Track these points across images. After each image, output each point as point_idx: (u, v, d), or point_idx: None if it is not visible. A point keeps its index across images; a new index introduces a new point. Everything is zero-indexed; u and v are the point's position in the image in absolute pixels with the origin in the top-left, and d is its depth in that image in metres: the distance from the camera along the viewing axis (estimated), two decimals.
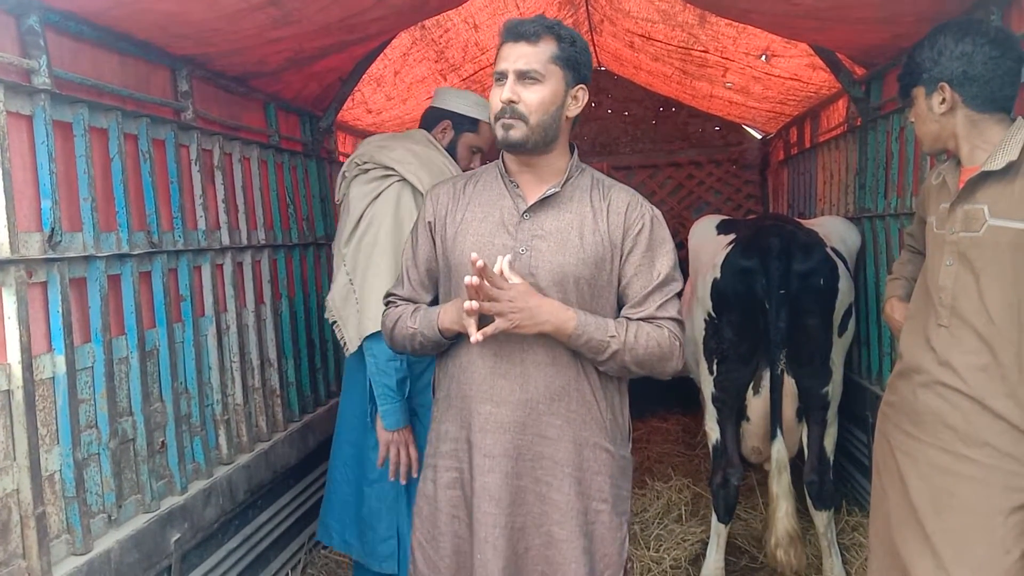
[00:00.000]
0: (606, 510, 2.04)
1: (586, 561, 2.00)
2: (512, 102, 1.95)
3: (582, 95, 2.02)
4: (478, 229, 2.03)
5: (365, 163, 2.76)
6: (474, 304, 1.85)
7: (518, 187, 2.04)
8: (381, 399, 2.55)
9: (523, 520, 1.99)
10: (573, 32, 2.01)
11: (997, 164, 2.00)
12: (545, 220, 2.01)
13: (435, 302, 2.14)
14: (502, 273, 1.89)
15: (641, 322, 2.00)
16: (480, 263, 1.82)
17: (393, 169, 2.71)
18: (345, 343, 2.71)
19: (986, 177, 2.03)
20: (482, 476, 1.96)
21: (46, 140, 2.16)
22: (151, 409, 2.57)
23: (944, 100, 2.09)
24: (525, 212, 2.01)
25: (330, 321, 2.77)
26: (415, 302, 2.13)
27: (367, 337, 2.57)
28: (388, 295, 2.19)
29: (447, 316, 1.98)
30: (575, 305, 1.98)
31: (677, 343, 2.01)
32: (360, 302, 2.61)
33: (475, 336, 1.87)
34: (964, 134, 2.10)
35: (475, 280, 1.82)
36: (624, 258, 2.03)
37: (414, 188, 2.68)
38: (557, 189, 2.02)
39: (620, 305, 2.07)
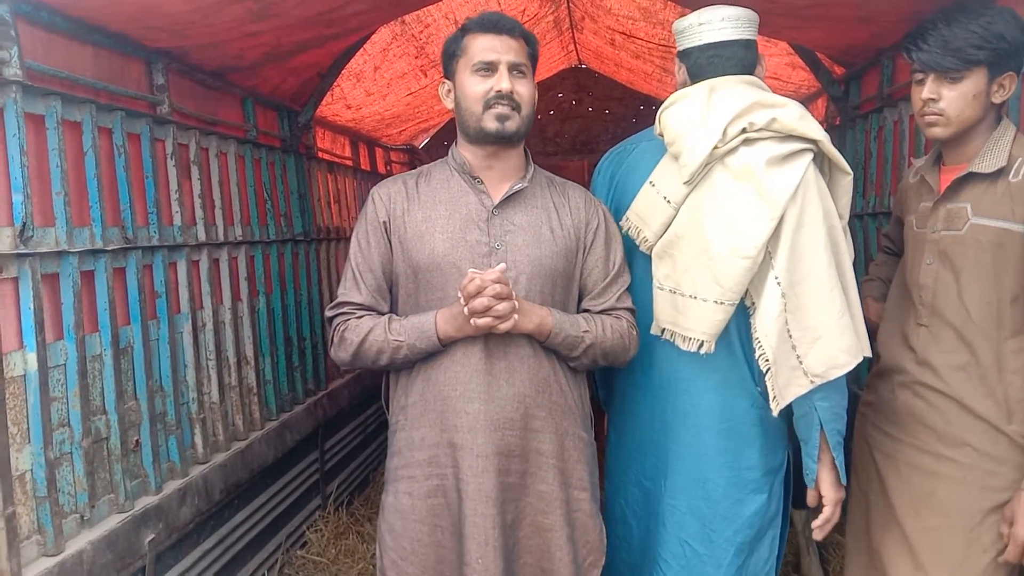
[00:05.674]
0: (586, 498, 2.06)
1: (570, 549, 2.01)
2: (510, 92, 1.94)
3: (536, 93, 2.09)
4: (446, 227, 1.99)
5: (760, 130, 1.95)
6: (488, 320, 1.85)
7: (482, 183, 2.03)
8: (837, 449, 2.03)
9: (513, 516, 1.98)
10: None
11: (987, 168, 1.99)
12: (515, 215, 2.02)
13: (392, 308, 2.08)
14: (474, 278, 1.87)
15: (603, 315, 2.06)
16: (494, 276, 1.83)
17: (811, 140, 1.97)
18: (775, 395, 1.99)
19: (970, 177, 2.03)
20: (476, 478, 1.92)
21: (17, 133, 2.11)
22: (125, 407, 2.53)
23: (1002, 90, 1.98)
24: (494, 208, 2.01)
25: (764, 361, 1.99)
26: (374, 310, 2.04)
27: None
28: (340, 303, 2.06)
29: (449, 325, 1.91)
30: (549, 298, 2.01)
31: (634, 332, 2.09)
32: (816, 330, 1.94)
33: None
34: (984, 130, 2.03)
35: (485, 302, 1.82)
36: (586, 251, 2.08)
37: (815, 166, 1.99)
38: (525, 184, 2.04)
39: (579, 297, 2.11)
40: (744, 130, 1.95)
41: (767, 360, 1.97)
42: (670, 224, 2.05)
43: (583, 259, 2.08)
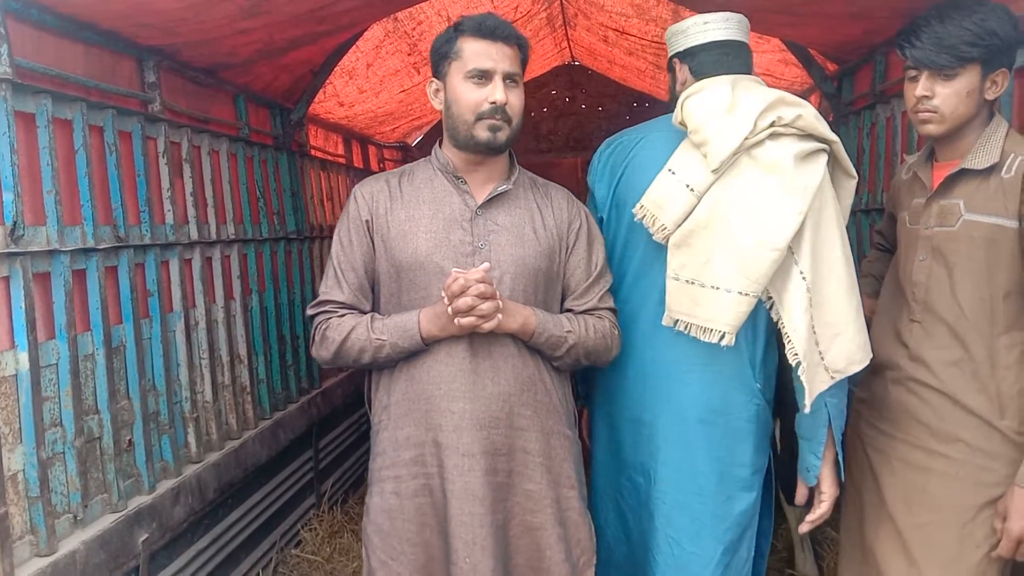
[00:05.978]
0: (575, 496, 2.06)
1: (562, 548, 2.00)
2: (504, 104, 1.94)
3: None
4: (429, 226, 1.99)
5: (786, 126, 1.98)
6: (472, 319, 1.84)
7: (465, 183, 2.03)
8: (838, 446, 2.09)
9: (503, 516, 1.97)
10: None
11: (980, 164, 1.99)
12: (498, 215, 2.02)
13: (373, 307, 2.07)
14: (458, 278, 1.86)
15: (586, 315, 2.07)
16: (478, 275, 1.81)
17: (827, 141, 2.01)
18: (808, 390, 1.98)
19: (963, 173, 2.03)
20: (462, 477, 1.92)
21: (7, 131, 2.10)
22: (118, 407, 2.52)
23: (995, 87, 1.98)
24: (478, 208, 2.01)
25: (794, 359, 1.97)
26: (356, 309, 2.03)
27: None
28: (322, 301, 2.04)
29: (433, 324, 1.91)
30: (532, 298, 2.01)
31: (616, 332, 2.10)
32: (836, 326, 1.98)
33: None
34: (977, 127, 2.02)
35: (469, 301, 1.81)
36: (569, 251, 2.09)
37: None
38: (509, 186, 2.05)
39: (562, 297, 2.11)
40: (773, 123, 1.96)
41: (796, 355, 1.96)
42: (690, 212, 2.02)
43: (566, 259, 2.08)
